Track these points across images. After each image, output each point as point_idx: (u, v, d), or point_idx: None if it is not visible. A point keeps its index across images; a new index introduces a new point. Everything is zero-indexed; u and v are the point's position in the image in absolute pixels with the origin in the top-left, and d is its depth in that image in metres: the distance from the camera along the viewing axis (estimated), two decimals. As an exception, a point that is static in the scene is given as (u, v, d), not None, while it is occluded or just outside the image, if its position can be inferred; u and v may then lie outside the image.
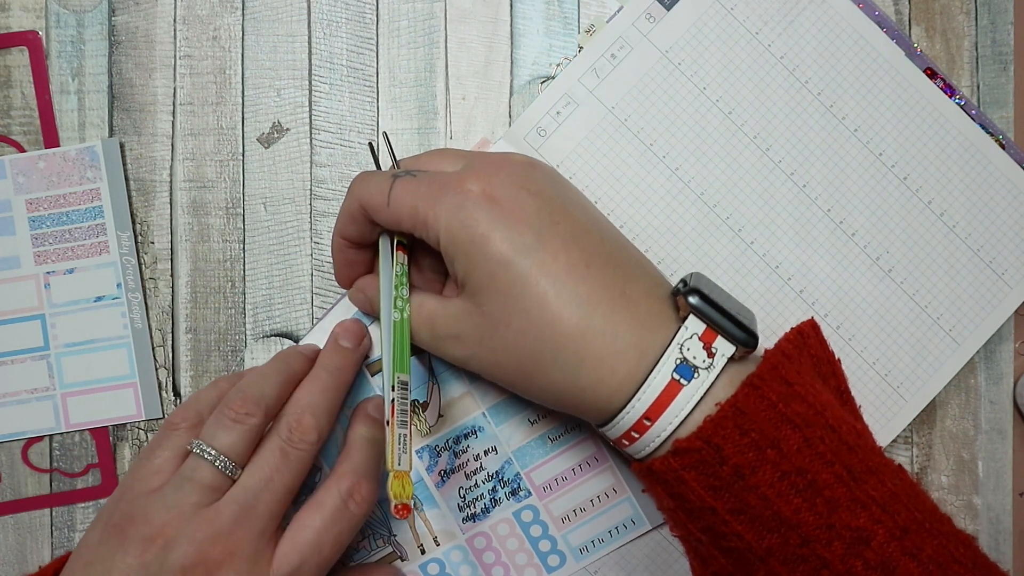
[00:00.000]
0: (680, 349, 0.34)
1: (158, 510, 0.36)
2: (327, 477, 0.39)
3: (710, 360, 0.34)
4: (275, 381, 0.39)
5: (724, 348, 0.35)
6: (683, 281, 0.36)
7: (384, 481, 0.35)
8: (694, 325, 0.35)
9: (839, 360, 0.39)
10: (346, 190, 0.45)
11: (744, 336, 0.35)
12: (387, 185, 0.37)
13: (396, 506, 0.35)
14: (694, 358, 0.34)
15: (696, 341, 0.35)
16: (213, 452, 0.36)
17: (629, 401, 0.35)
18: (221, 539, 0.35)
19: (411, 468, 0.37)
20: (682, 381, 0.34)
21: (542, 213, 0.36)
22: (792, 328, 0.38)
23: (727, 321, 0.35)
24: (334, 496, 0.38)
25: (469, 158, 0.39)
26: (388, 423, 0.36)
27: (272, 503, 0.36)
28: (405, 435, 0.36)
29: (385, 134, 0.43)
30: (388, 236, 0.40)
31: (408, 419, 0.37)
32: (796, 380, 0.35)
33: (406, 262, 0.40)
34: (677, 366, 0.34)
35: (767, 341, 0.44)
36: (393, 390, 0.36)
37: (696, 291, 0.35)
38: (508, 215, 0.35)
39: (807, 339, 0.38)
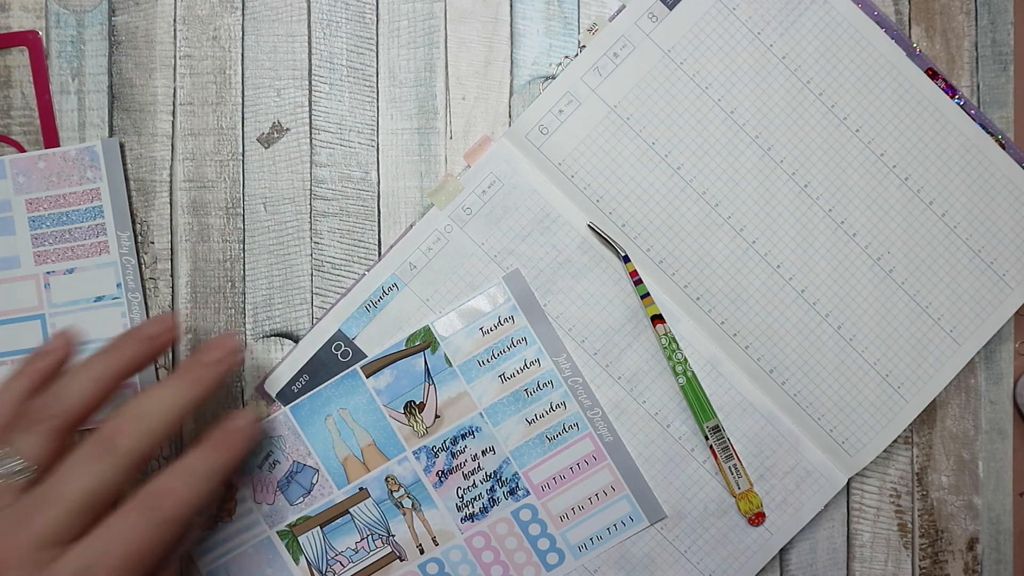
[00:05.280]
0: None
1: None
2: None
3: None
4: (85, 383, 0.37)
5: None
6: None
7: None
8: None
9: None
10: (346, 190, 0.45)
11: None
12: None
13: (750, 518, 0.44)
14: None
15: None
16: (16, 460, 0.35)
17: None
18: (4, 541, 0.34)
19: (751, 485, 0.44)
20: None
21: None
22: None
23: None
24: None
25: None
26: (717, 462, 0.44)
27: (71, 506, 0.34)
28: (734, 464, 0.44)
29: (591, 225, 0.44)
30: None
31: (732, 453, 0.44)
32: None
33: (669, 331, 0.44)
34: None
35: (767, 341, 0.44)
36: (707, 438, 0.44)
37: None
38: None
39: None
